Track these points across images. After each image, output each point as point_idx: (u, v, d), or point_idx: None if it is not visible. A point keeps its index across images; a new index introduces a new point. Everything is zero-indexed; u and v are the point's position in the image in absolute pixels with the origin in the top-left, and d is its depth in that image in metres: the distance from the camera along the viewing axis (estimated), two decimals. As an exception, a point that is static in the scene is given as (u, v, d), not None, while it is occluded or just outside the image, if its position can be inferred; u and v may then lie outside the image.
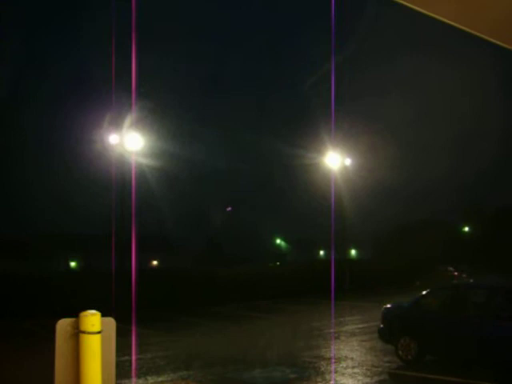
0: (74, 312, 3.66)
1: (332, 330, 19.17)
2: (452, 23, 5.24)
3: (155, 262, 58.99)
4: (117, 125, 28.30)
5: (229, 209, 66.02)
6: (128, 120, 27.77)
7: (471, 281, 22.22)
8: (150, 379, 11.95)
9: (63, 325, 3.54)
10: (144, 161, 30.90)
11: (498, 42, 5.82)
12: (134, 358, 14.40)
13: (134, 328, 17.41)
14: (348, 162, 37.45)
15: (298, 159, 43.37)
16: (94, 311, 3.54)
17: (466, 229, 65.33)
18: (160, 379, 11.94)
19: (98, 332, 3.51)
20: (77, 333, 3.50)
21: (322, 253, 69.12)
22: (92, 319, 3.48)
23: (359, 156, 40.63)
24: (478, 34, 5.63)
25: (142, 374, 12.44)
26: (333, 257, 34.25)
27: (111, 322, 3.71)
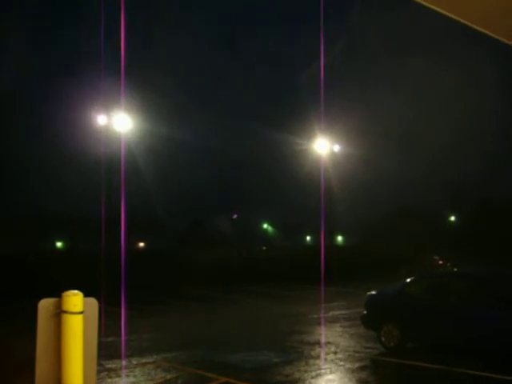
0: (59, 292, 3.66)
1: (316, 316, 19.29)
2: (445, 13, 5.25)
3: (142, 244, 58.93)
4: (106, 105, 28.15)
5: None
6: (117, 100, 27.62)
7: (455, 270, 22.39)
8: (134, 360, 11.99)
9: (45, 304, 3.54)
10: (132, 142, 30.80)
11: (490, 34, 5.83)
12: (118, 339, 14.43)
13: (121, 309, 17.45)
14: (337, 148, 37.49)
15: (288, 145, 43.45)
16: (76, 291, 3.54)
17: (452, 218, 65.73)
18: (143, 360, 11.98)
19: (80, 312, 3.50)
20: (59, 312, 3.49)
21: (308, 238, 69.30)
22: (74, 299, 3.48)
23: (348, 143, 40.73)
24: (471, 24, 5.65)
25: (126, 355, 12.48)
26: (322, 242, 34.32)
27: (93, 302, 3.70)
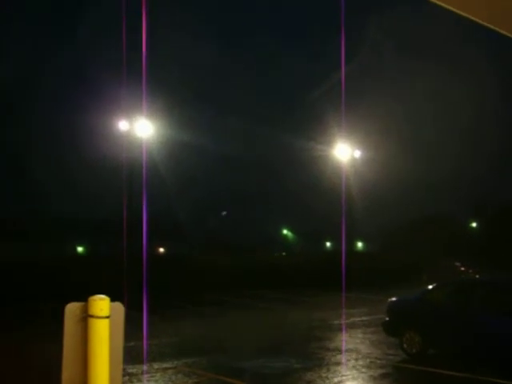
0: (84, 296, 3.68)
1: (337, 322, 19.21)
2: (454, 9, 5.22)
3: (161, 249, 59.13)
4: (127, 111, 28.35)
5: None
6: (139, 106, 27.81)
7: (477, 276, 22.17)
8: (155, 365, 12.02)
9: (72, 309, 3.56)
10: (154, 147, 30.97)
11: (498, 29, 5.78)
12: (139, 343, 14.48)
13: (142, 314, 17.51)
14: (357, 154, 37.33)
15: (308, 150, 43.32)
16: (102, 296, 3.56)
17: (474, 225, 65.14)
18: (164, 365, 12.01)
19: (107, 317, 3.52)
20: (85, 317, 3.52)
21: (328, 244, 69.09)
22: (100, 304, 3.50)
23: (369, 149, 40.56)
24: (479, 21, 5.60)
25: (147, 360, 12.52)
26: (343, 248, 34.20)
27: (120, 307, 3.72)
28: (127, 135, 28.82)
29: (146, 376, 11.10)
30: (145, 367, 11.88)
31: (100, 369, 3.55)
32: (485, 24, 5.31)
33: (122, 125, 28.51)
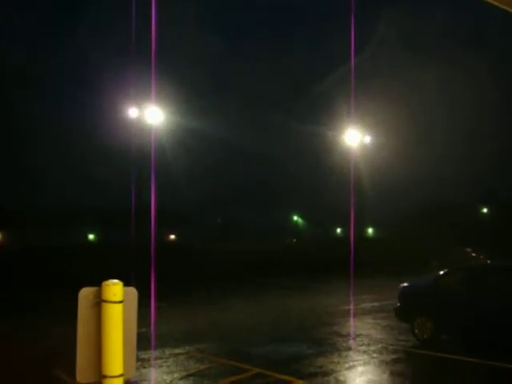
0: (95, 283, 3.69)
1: (348, 308, 19.22)
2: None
3: (172, 237, 59.32)
4: (137, 98, 28.30)
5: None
6: (149, 93, 27.75)
7: (489, 262, 22.09)
8: (167, 351, 12.08)
9: (85, 294, 3.57)
10: (164, 135, 30.94)
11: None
12: (150, 329, 14.56)
13: (152, 300, 17.58)
14: (368, 139, 37.15)
15: (319, 136, 43.20)
16: (116, 281, 3.57)
17: (485, 210, 64.83)
18: (176, 351, 12.06)
19: (120, 301, 3.53)
20: (99, 302, 3.53)
21: (338, 231, 69.05)
22: (114, 288, 3.51)
23: (380, 134, 40.38)
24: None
25: (159, 345, 12.58)
26: (352, 234, 34.14)
27: (133, 291, 3.74)
28: (137, 122, 28.80)
29: (158, 362, 11.15)
30: (157, 353, 11.94)
31: (114, 353, 3.57)
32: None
33: (132, 112, 28.48)
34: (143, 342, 12.89)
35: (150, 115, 28.17)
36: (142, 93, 28.08)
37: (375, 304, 19.82)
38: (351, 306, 19.47)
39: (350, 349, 12.00)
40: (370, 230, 66.06)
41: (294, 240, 56.35)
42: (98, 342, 3.58)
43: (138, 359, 11.16)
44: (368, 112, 40.02)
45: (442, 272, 13.23)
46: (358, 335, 13.69)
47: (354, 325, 15.55)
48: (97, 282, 3.62)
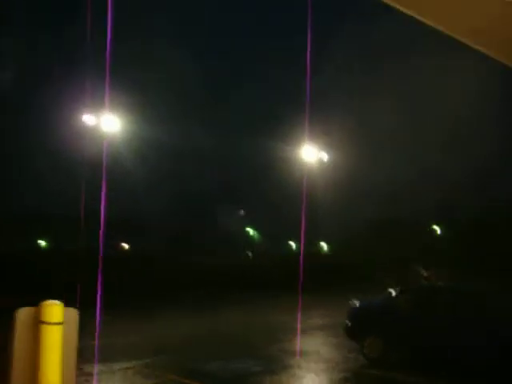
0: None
1: (298, 324, 19.18)
2: (435, 26, 5.26)
3: (126, 246, 58.52)
4: (91, 105, 27.86)
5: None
6: (104, 100, 27.34)
7: (440, 283, 22.38)
8: (114, 365, 11.83)
9: (23, 314, 3.42)
10: (119, 143, 30.55)
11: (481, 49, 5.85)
12: (98, 342, 14.25)
13: (99, 312, 17.25)
14: (324, 156, 37.31)
15: (274, 151, 43.29)
16: (56, 301, 3.43)
17: (439, 231, 65.63)
18: (124, 366, 11.83)
19: (60, 323, 3.39)
20: (37, 323, 3.38)
21: (294, 246, 69.21)
22: (54, 309, 3.37)
23: (336, 152, 40.68)
24: (460, 38, 5.65)
25: (106, 360, 12.29)
26: (302, 249, 34.20)
27: (74, 313, 3.60)
28: (92, 130, 28.35)
29: (104, 376, 10.90)
30: (103, 367, 11.67)
31: (52, 375, 3.42)
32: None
33: (87, 119, 28.02)
34: (89, 355, 12.60)
35: (106, 123, 27.74)
36: (98, 101, 27.66)
37: (326, 321, 19.87)
38: (302, 323, 19.44)
39: (298, 367, 11.95)
40: (324, 245, 66.42)
41: (250, 253, 56.23)
42: (35, 364, 3.42)
43: (85, 374, 10.90)
44: (325, 128, 40.27)
45: (393, 291, 13.33)
46: (307, 353, 13.65)
47: (303, 342, 15.51)
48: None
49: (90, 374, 11.01)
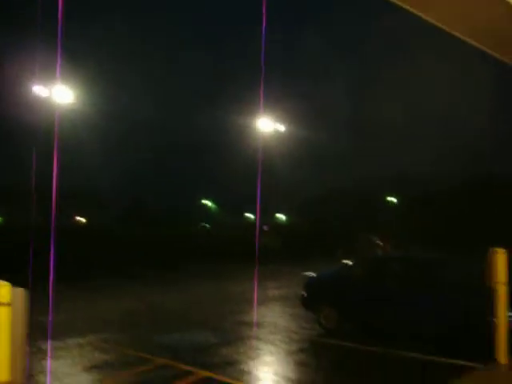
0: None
1: (255, 295, 19.29)
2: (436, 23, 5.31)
3: (82, 219, 57.77)
4: (41, 75, 27.16)
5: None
6: (55, 70, 26.68)
7: (392, 252, 22.78)
8: (70, 341, 11.70)
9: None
10: (72, 114, 29.94)
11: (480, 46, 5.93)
12: (54, 318, 14.07)
13: (53, 287, 17.02)
14: (279, 127, 37.31)
15: (231, 123, 43.17)
16: (3, 282, 3.31)
17: (394, 200, 66.47)
18: (80, 341, 11.71)
19: (8, 304, 3.29)
20: (-16, 304, 3.27)
21: (251, 216, 69.39)
22: (1, 291, 3.26)
23: (292, 123, 40.72)
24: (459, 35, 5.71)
25: (61, 336, 12.14)
26: (258, 220, 34.41)
27: (22, 293, 3.49)
28: (45, 101, 27.67)
29: (60, 353, 10.76)
30: (59, 343, 11.52)
31: (1, 357, 3.32)
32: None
33: (38, 90, 27.33)
34: (44, 331, 12.44)
35: (58, 94, 27.09)
36: (50, 73, 26.96)
37: (282, 291, 20.01)
38: (259, 294, 19.55)
39: (255, 338, 12.02)
40: (281, 216, 66.80)
41: (207, 225, 56.13)
42: (-17, 346, 3.32)
43: (40, 350, 10.76)
44: (280, 102, 40.22)
45: (347, 262, 13.49)
46: (264, 324, 13.73)
47: (261, 313, 15.60)
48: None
49: (45, 351, 10.86)
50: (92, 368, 9.66)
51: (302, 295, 13.71)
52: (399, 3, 4.87)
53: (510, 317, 8.86)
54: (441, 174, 57.87)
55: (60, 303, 15.61)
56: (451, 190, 54.82)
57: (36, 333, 11.39)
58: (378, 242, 41.10)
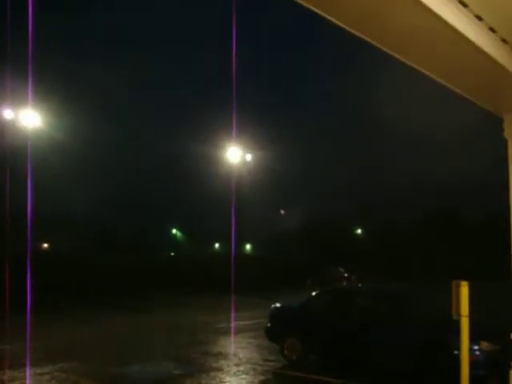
0: None
1: (220, 326, 19.16)
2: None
3: (46, 245, 56.77)
4: (13, 100, 26.93)
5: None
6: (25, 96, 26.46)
7: (358, 285, 22.88)
8: (29, 370, 11.45)
9: None
10: (41, 138, 29.66)
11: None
12: (13, 347, 13.79)
13: (12, 315, 16.71)
14: (249, 157, 37.43)
15: (201, 153, 43.20)
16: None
17: (359, 232, 67.01)
18: (39, 371, 11.46)
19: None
20: None
21: (217, 246, 69.17)
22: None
23: (261, 152, 40.91)
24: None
25: (20, 365, 11.88)
26: (233, 251, 34.30)
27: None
28: (12, 125, 27.38)
29: (17, 382, 10.52)
30: (17, 373, 11.27)
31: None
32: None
33: (7, 114, 27.04)
34: (2, 360, 12.17)
35: (26, 118, 26.82)
36: (19, 96, 26.72)
37: (247, 322, 19.90)
38: (224, 324, 19.43)
39: (219, 369, 11.89)
40: (248, 247, 66.70)
41: (172, 254, 55.72)
42: None
43: (-2, 380, 10.51)
44: (251, 129, 40.45)
45: (312, 293, 13.47)
46: (228, 355, 13.62)
47: (225, 344, 15.49)
48: None
49: (3, 381, 10.61)
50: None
51: (267, 326, 13.66)
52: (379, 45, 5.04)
53: (472, 350, 8.93)
54: (403, 206, 58.66)
55: (20, 332, 15.30)
56: (413, 222, 55.61)
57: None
58: (344, 273, 41.28)
